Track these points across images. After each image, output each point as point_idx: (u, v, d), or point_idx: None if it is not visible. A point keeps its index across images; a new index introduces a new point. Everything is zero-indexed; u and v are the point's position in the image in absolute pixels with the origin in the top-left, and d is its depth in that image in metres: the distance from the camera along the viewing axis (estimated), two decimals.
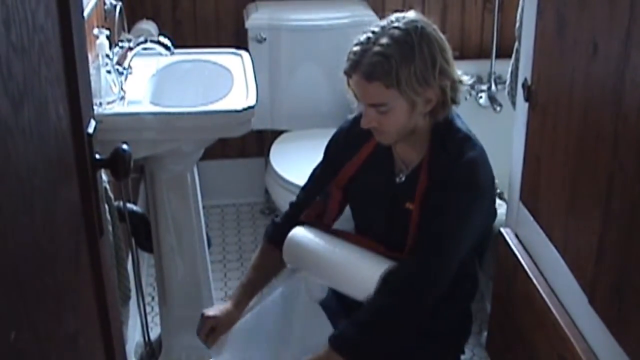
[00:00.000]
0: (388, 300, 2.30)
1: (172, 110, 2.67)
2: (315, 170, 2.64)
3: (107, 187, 2.39)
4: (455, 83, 2.31)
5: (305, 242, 2.54)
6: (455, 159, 2.29)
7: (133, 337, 3.34)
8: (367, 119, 2.34)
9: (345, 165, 2.52)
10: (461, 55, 4.26)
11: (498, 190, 3.08)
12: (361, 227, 2.62)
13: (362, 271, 2.41)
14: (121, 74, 2.73)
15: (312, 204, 2.61)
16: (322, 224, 2.58)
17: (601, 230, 1.71)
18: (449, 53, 2.32)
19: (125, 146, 1.68)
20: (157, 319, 3.40)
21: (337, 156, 2.54)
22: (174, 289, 3.03)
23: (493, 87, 4.09)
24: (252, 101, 2.69)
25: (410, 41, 2.24)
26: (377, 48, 2.23)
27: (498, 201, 3.00)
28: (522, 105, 2.26)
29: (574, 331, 1.74)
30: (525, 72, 2.25)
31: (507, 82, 3.08)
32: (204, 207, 3.16)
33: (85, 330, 1.57)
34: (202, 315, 2.54)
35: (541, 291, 1.88)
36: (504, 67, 3.42)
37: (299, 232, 2.57)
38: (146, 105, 2.68)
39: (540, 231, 1.94)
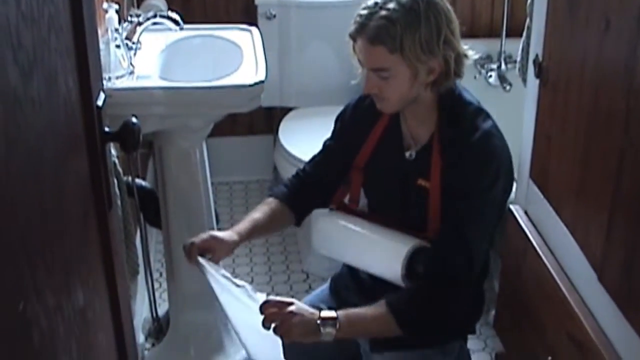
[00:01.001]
0: (432, 291, 2.29)
1: (181, 85, 2.67)
2: (325, 144, 2.63)
3: (116, 162, 2.39)
4: (460, 56, 2.30)
5: (336, 228, 2.55)
6: (470, 134, 2.27)
7: (141, 313, 3.35)
8: (369, 85, 2.34)
9: (360, 147, 2.50)
10: (471, 34, 4.28)
11: None
12: (375, 206, 2.62)
13: (389, 251, 2.41)
14: (130, 48, 2.73)
15: (337, 191, 2.60)
16: (347, 207, 2.59)
17: (611, 208, 1.70)
18: (456, 25, 2.30)
19: (134, 119, 1.68)
20: (165, 295, 3.41)
21: (348, 135, 2.52)
22: (182, 265, 3.03)
23: (503, 66, 4.07)
24: (261, 76, 2.68)
25: (417, 8, 2.22)
26: (383, 12, 2.22)
27: None
28: (533, 82, 2.24)
29: (582, 309, 1.74)
30: (536, 48, 2.23)
31: (518, 59, 3.07)
32: (212, 184, 3.16)
33: (93, 303, 1.57)
34: (206, 234, 2.47)
35: (550, 269, 1.87)
36: (514, 46, 3.40)
37: (328, 219, 2.57)
38: (155, 80, 2.68)
39: (550, 209, 1.93)
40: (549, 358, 1.82)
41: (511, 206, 2.12)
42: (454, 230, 2.29)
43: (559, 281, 1.83)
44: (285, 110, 4.01)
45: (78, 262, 1.46)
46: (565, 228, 1.85)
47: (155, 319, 3.29)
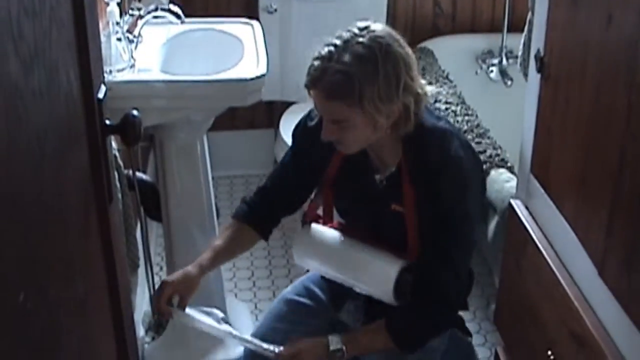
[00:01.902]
0: (422, 310, 2.39)
1: (182, 79, 2.66)
2: (284, 161, 2.61)
3: (117, 155, 2.39)
4: (420, 96, 2.28)
5: (318, 241, 2.58)
6: (437, 162, 2.29)
7: (141, 307, 3.35)
8: (327, 133, 2.31)
9: (325, 164, 2.49)
10: (472, 29, 4.29)
11: (508, 164, 3.08)
12: (349, 225, 2.65)
13: (377, 270, 2.47)
14: (131, 42, 2.72)
15: (301, 202, 2.63)
16: (322, 221, 2.62)
17: (612, 203, 1.70)
18: (414, 67, 2.26)
19: (135, 112, 1.67)
20: None
21: (308, 155, 2.48)
22: (183, 259, 3.02)
23: (504, 61, 4.07)
24: (262, 70, 2.68)
25: (374, 59, 2.16)
26: (339, 66, 2.16)
27: (509, 175, 3.00)
28: (535, 77, 2.24)
29: (583, 303, 1.74)
30: (538, 43, 2.23)
31: (520, 54, 3.07)
32: (213, 178, 3.15)
33: (93, 296, 1.57)
34: (162, 282, 2.52)
35: (551, 263, 1.87)
36: (515, 41, 3.40)
37: (311, 231, 2.60)
38: (156, 73, 2.67)
39: (551, 203, 1.93)
40: (549, 352, 1.82)
41: (512, 201, 2.12)
42: (436, 254, 2.35)
43: (559, 276, 1.83)
44: (286, 105, 4.01)
45: (78, 254, 1.46)
46: (566, 223, 1.85)
47: (155, 312, 3.29)
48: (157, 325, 3.30)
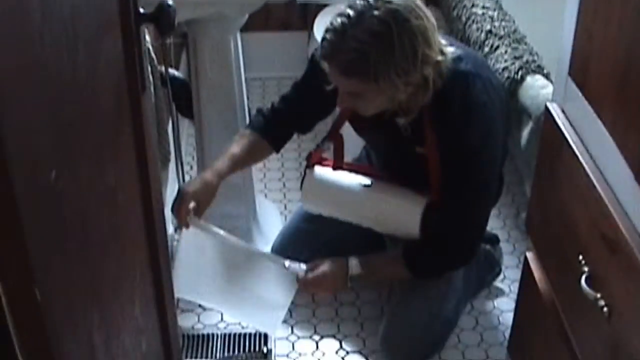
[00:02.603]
0: (440, 247, 2.55)
1: None
2: (302, 77, 2.69)
3: (150, 49, 2.37)
4: (439, 63, 2.25)
5: (330, 184, 2.61)
6: (461, 112, 2.33)
7: (171, 204, 3.36)
8: (343, 102, 2.34)
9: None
10: None
11: (545, 71, 3.04)
12: (381, 166, 2.73)
13: (401, 209, 2.57)
14: None
15: (317, 147, 2.70)
16: (333, 164, 2.69)
17: None
18: (433, 36, 2.23)
19: (170, 1, 1.65)
20: None
21: (322, 85, 2.42)
22: (214, 158, 3.02)
23: None
24: None
25: (389, 33, 2.13)
26: (354, 44, 2.14)
27: (544, 81, 2.96)
28: None
29: (617, 208, 1.71)
30: None
31: None
32: (245, 79, 3.13)
33: (124, 186, 1.57)
34: (180, 190, 2.55)
35: (586, 167, 1.84)
36: None
37: (321, 174, 2.65)
38: None
39: (589, 107, 1.89)
40: (580, 257, 1.80)
41: (548, 104, 2.09)
42: (457, 198, 2.46)
43: (594, 180, 1.80)
44: (321, 6, 3.96)
45: (110, 141, 1.45)
46: (603, 127, 1.81)
47: (175, 221, 3.30)
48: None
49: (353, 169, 2.67)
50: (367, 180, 2.61)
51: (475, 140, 2.33)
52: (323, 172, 2.65)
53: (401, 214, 2.52)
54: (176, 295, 2.35)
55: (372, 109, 2.33)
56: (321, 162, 2.67)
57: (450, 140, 2.34)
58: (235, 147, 2.61)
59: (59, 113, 1.08)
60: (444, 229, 2.48)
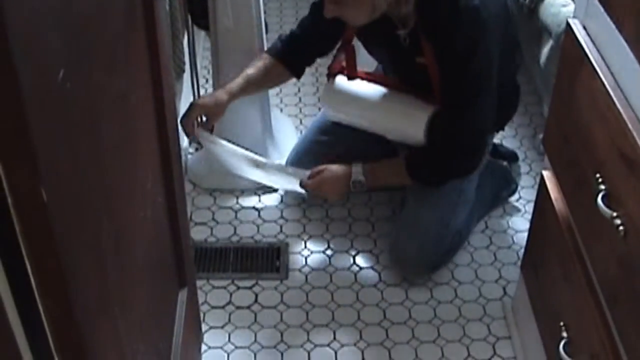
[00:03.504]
0: (442, 152, 2.57)
1: None
2: (313, 3, 2.69)
3: None
4: None
5: (347, 91, 2.65)
6: (448, 15, 2.33)
7: None
8: (328, 11, 2.36)
9: (344, 25, 2.56)
10: None
11: None
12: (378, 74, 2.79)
13: (408, 115, 2.59)
14: None
15: (334, 58, 2.73)
16: (347, 73, 2.72)
17: None
18: None
19: None
20: None
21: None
22: (229, 71, 3.00)
23: None
24: None
25: None
26: None
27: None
28: None
29: (637, 126, 1.68)
30: None
31: None
32: None
33: (137, 91, 1.54)
34: (191, 104, 2.62)
35: (606, 85, 1.81)
36: None
37: (340, 80, 2.71)
38: None
39: (611, 23, 1.85)
40: (597, 175, 1.78)
41: (569, 20, 2.04)
42: (455, 102, 2.48)
43: (614, 98, 1.77)
44: None
45: (122, 44, 1.42)
46: (625, 44, 1.78)
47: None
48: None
49: (370, 78, 2.69)
50: (379, 88, 2.63)
51: (465, 45, 2.34)
52: (342, 80, 2.68)
53: (408, 121, 2.57)
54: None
55: (358, 18, 2.39)
56: (342, 72, 2.70)
57: (441, 46, 2.40)
58: (251, 69, 2.67)
59: (68, 12, 1.05)
60: (443, 134, 2.50)
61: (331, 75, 2.72)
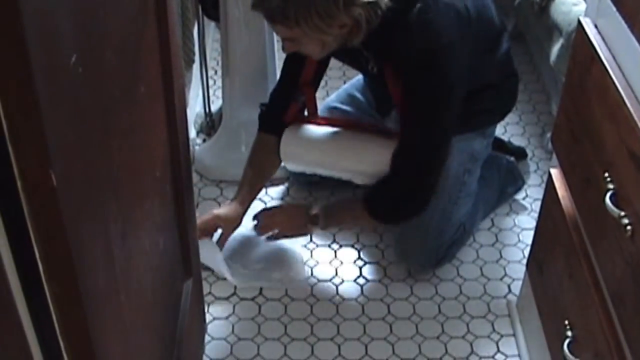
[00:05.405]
0: (397, 183, 2.52)
1: None
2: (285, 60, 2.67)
3: None
4: (373, 4, 2.23)
5: (305, 137, 2.66)
6: (404, 56, 2.35)
7: (194, 108, 3.35)
8: (285, 47, 2.38)
9: (304, 63, 2.57)
10: None
11: None
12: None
13: (372, 153, 2.57)
14: None
15: (289, 106, 2.66)
16: (307, 119, 2.69)
17: None
18: None
19: None
20: (219, 93, 3.40)
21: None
22: (239, 61, 3.00)
23: None
24: None
25: None
26: None
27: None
28: None
29: None
30: None
31: None
32: None
33: (147, 79, 1.54)
34: (213, 214, 2.66)
35: (617, 83, 1.80)
36: None
37: (293, 130, 2.66)
38: None
39: (622, 23, 1.85)
40: (606, 174, 1.77)
41: (581, 19, 2.04)
42: (412, 133, 2.46)
43: (625, 97, 1.76)
44: None
45: (134, 33, 1.42)
46: (636, 43, 1.78)
47: (208, 114, 3.29)
48: (209, 127, 3.30)
49: (327, 122, 2.69)
50: (339, 132, 2.65)
51: (425, 85, 2.37)
52: (297, 129, 2.66)
53: (370, 160, 2.55)
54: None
55: (315, 53, 2.39)
56: (296, 119, 2.68)
57: (396, 67, 2.41)
58: (248, 169, 2.71)
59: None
60: (397, 167, 2.49)
61: (286, 125, 2.67)
